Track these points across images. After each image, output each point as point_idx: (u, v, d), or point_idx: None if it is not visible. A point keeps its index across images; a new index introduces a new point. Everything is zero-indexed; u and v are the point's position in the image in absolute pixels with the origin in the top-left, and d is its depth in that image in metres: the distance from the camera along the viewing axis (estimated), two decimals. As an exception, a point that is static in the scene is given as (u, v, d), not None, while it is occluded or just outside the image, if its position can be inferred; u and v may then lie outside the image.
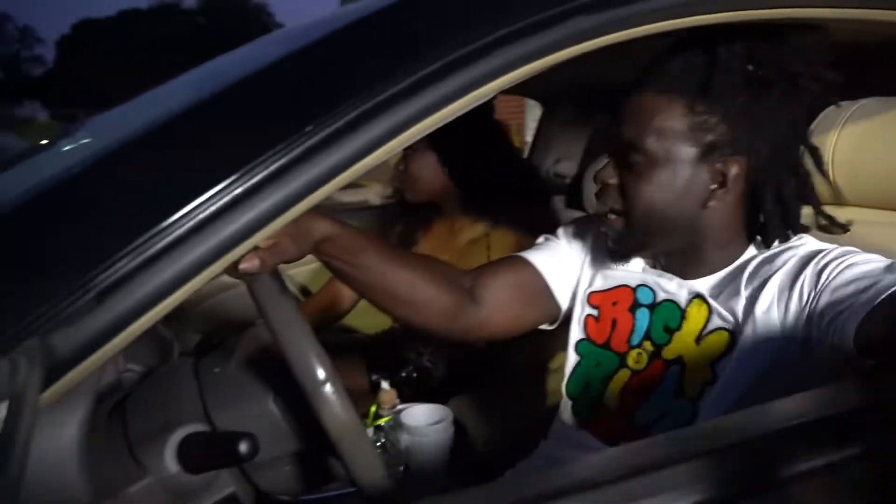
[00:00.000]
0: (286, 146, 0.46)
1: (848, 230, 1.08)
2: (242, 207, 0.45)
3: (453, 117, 0.55)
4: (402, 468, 1.30)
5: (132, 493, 0.69)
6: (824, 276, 0.77)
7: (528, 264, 0.98)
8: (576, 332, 0.98)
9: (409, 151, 1.55)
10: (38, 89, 50.79)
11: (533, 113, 6.98)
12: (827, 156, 1.13)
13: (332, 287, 1.72)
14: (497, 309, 0.94)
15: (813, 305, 0.76)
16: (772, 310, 0.80)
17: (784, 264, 0.82)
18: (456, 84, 0.51)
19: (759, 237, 0.90)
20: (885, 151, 1.05)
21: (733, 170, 0.83)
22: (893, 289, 0.68)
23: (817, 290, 0.77)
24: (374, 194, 1.88)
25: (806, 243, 0.87)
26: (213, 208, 0.44)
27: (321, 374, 0.66)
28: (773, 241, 0.88)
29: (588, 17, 0.56)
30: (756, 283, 0.83)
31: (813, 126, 1.18)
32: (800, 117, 0.88)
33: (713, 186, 0.84)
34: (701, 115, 0.82)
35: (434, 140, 1.55)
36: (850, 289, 0.73)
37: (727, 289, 0.86)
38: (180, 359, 0.98)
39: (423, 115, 0.51)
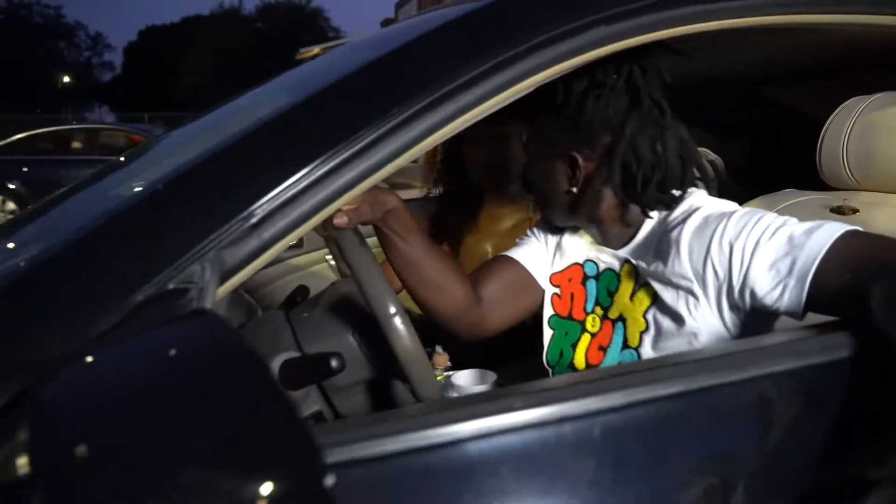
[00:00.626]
0: (376, 125, 0.63)
1: (856, 211, 1.21)
2: (346, 168, 0.62)
3: (499, 106, 0.71)
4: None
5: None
6: (736, 256, 0.85)
7: (513, 261, 1.12)
8: (547, 310, 1.12)
9: (462, 142, 1.67)
10: (106, 94, 53.06)
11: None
12: (841, 144, 1.26)
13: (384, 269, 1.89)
14: (493, 306, 1.08)
15: (734, 283, 0.86)
16: (682, 264, 0.90)
17: (684, 226, 0.92)
18: (504, 78, 0.68)
19: (647, 210, 1.00)
20: (892, 138, 1.16)
21: (581, 163, 0.97)
22: (823, 253, 0.79)
23: (736, 268, 0.85)
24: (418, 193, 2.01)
25: (699, 207, 0.94)
26: (325, 168, 0.61)
27: (393, 308, 0.83)
28: (654, 210, 0.98)
29: (607, 27, 0.72)
30: (665, 242, 0.94)
31: (831, 118, 1.30)
32: (621, 107, 0.95)
33: (569, 178, 0.99)
34: (540, 130, 1.01)
35: (485, 131, 1.70)
36: (774, 270, 0.82)
37: (647, 250, 0.98)
38: (270, 312, 1.17)
39: (479, 101, 0.67)
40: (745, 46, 1.30)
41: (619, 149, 0.94)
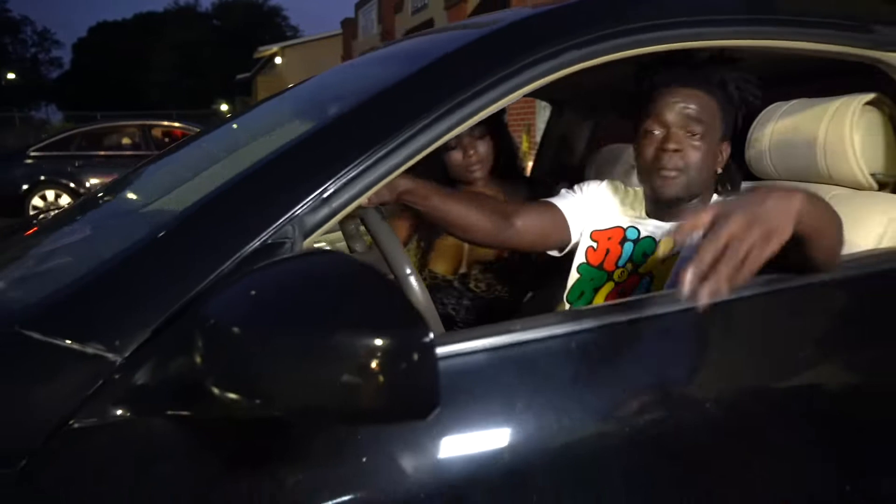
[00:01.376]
0: (409, 127, 0.84)
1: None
2: (386, 160, 0.83)
3: (503, 106, 0.94)
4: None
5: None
6: None
7: (552, 205, 1.39)
8: (579, 258, 1.38)
9: (476, 139, 1.84)
10: (53, 92, 51.59)
11: (543, 116, 7.37)
12: (765, 142, 1.52)
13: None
14: (523, 234, 1.33)
15: None
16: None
17: None
18: (500, 91, 0.90)
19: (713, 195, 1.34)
20: (803, 136, 1.42)
21: (726, 150, 1.31)
22: None
23: None
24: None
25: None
26: (372, 160, 0.83)
27: (408, 269, 1.05)
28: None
29: (579, 51, 0.95)
30: None
31: (756, 120, 1.57)
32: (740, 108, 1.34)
33: (720, 160, 1.30)
34: (723, 113, 1.29)
35: (492, 131, 1.90)
36: None
37: None
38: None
39: (481, 109, 0.89)
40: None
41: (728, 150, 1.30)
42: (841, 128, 1.37)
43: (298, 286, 0.59)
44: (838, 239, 0.96)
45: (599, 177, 2.27)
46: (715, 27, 1.14)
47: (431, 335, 0.54)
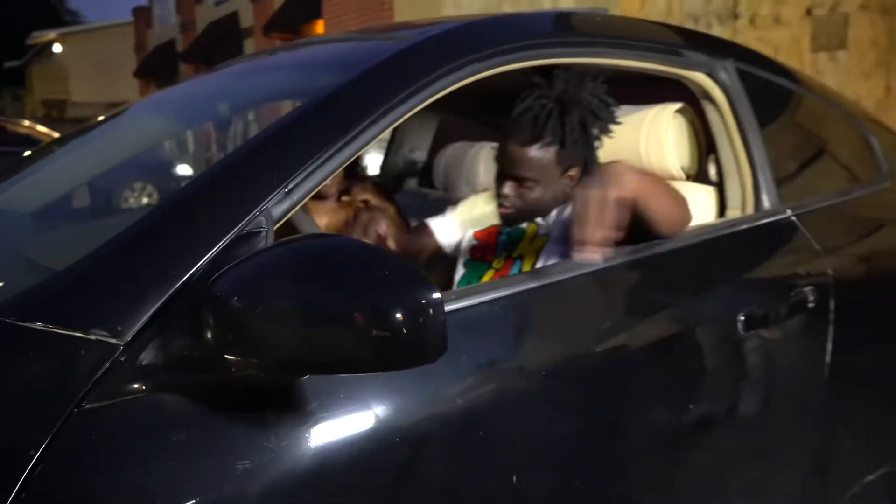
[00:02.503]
0: (356, 127, 0.96)
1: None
2: (335, 157, 0.95)
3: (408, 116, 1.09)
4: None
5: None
6: None
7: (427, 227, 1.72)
8: (464, 255, 1.63)
9: None
10: None
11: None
12: (641, 143, 1.81)
13: None
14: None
15: None
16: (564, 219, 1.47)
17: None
18: (418, 100, 1.05)
19: None
20: (627, 137, 1.74)
21: (575, 174, 1.51)
22: None
23: None
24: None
25: None
26: (328, 153, 0.94)
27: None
28: None
29: (479, 65, 1.13)
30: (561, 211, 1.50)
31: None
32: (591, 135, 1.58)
33: (569, 186, 1.50)
34: (560, 155, 1.47)
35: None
36: None
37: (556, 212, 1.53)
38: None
39: (403, 115, 1.04)
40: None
41: (591, 159, 1.53)
42: (658, 130, 1.69)
43: (322, 261, 0.70)
44: (677, 211, 1.24)
45: (447, 174, 2.51)
46: (570, 48, 1.38)
47: (438, 293, 0.68)
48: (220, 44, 16.59)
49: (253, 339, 0.67)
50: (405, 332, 0.65)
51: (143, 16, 22.84)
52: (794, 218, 1.50)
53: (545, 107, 1.45)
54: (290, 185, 0.89)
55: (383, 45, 1.13)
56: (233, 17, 17.16)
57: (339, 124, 0.96)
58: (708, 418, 1.26)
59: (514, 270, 1.51)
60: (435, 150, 2.71)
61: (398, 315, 0.65)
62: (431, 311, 0.66)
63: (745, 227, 1.40)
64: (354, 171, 2.21)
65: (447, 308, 0.95)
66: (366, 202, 2.08)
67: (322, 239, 0.76)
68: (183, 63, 19.13)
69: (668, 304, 1.22)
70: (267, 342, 0.67)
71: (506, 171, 1.51)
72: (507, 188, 1.50)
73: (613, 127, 1.75)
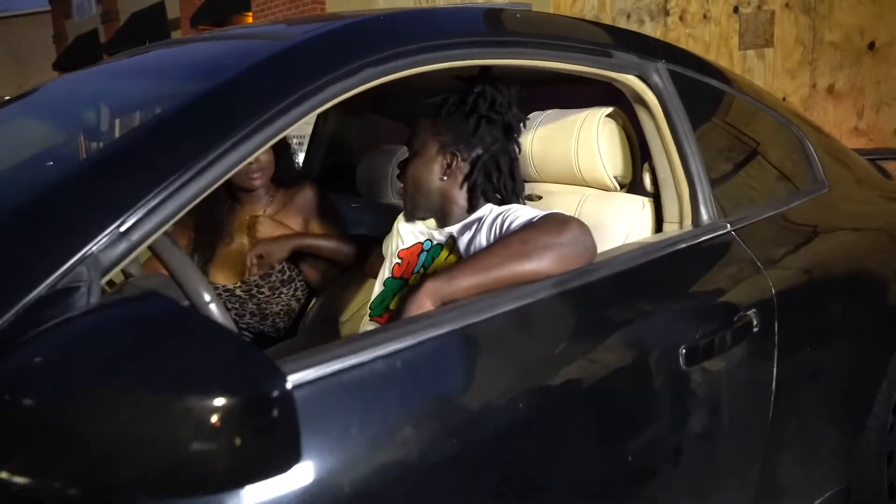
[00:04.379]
0: (218, 146, 0.78)
1: (541, 198, 1.63)
2: (193, 183, 0.76)
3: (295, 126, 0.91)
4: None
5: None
6: (506, 223, 1.29)
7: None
8: (384, 274, 1.53)
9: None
10: None
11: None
12: (527, 148, 1.67)
13: (150, 267, 1.92)
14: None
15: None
16: (481, 236, 1.34)
17: (492, 218, 1.36)
18: (306, 108, 0.87)
19: (482, 202, 1.44)
20: (559, 144, 1.60)
21: (456, 163, 1.43)
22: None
23: (501, 229, 1.29)
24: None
25: (511, 207, 1.38)
26: (179, 182, 0.75)
27: (207, 296, 0.97)
28: (487, 203, 1.44)
29: (375, 69, 0.96)
30: (481, 226, 1.36)
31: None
32: (498, 135, 1.47)
33: (443, 171, 1.43)
34: (439, 131, 1.42)
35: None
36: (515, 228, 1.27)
37: (467, 229, 1.40)
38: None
39: (289, 124, 0.86)
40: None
41: (484, 159, 1.42)
42: (589, 137, 1.56)
43: (123, 338, 0.52)
44: (543, 263, 1.09)
45: (372, 177, 2.33)
46: (487, 48, 1.22)
47: (290, 383, 0.51)
48: (144, 35, 15.85)
49: (49, 456, 0.48)
50: (239, 442, 0.47)
51: (61, 5, 21.64)
52: (733, 233, 1.39)
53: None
54: (127, 223, 0.70)
55: (261, 45, 0.94)
56: (158, 8, 16.41)
57: (194, 145, 0.77)
58: (647, 461, 1.13)
59: None
60: (357, 153, 2.53)
61: (227, 420, 0.47)
62: (277, 411, 0.49)
63: (682, 245, 1.28)
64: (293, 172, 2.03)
65: (333, 367, 0.79)
66: (254, 221, 1.90)
67: (133, 305, 0.58)
68: (106, 55, 18.21)
69: (600, 339, 1.08)
70: (64, 461, 0.48)
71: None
72: (399, 164, 1.50)
73: (542, 132, 1.61)
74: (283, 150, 1.96)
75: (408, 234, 1.55)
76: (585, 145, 1.56)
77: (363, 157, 2.35)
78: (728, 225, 1.39)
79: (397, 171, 1.51)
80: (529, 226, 1.17)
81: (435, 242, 1.47)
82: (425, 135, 1.45)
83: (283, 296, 1.96)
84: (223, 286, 1.92)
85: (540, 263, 1.06)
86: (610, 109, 1.58)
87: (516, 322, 0.98)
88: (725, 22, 5.83)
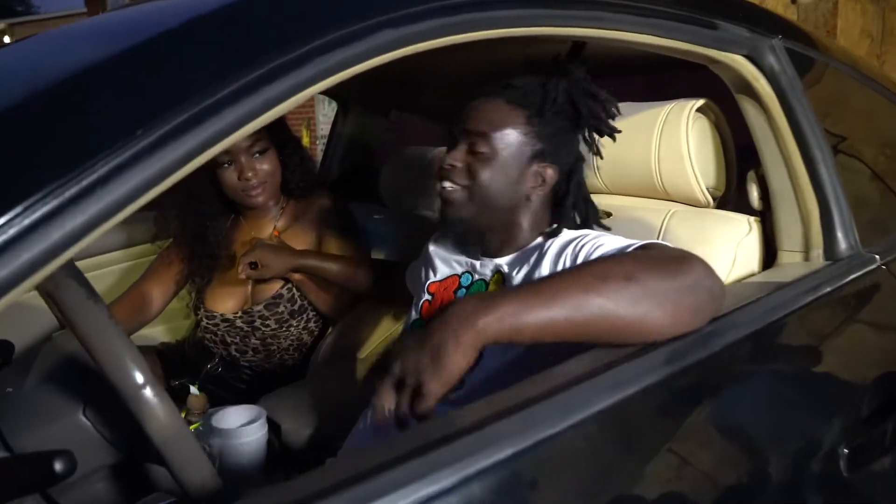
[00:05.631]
0: (116, 151, 0.45)
1: (610, 215, 1.28)
2: (72, 210, 0.43)
3: (273, 118, 0.58)
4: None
5: None
6: (582, 254, 0.95)
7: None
8: (413, 315, 1.19)
9: (254, 157, 1.50)
10: None
11: (322, 107, 6.94)
12: (592, 154, 1.32)
13: (139, 291, 1.61)
14: None
15: None
16: (543, 272, 1.00)
17: (559, 247, 1.02)
18: (280, 88, 0.54)
19: (552, 226, 1.10)
20: (635, 146, 1.24)
21: (549, 175, 1.07)
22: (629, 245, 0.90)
23: (575, 262, 0.95)
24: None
25: (587, 233, 1.04)
26: (39, 213, 0.42)
27: (139, 377, 0.64)
28: (568, 228, 1.09)
29: (394, 31, 0.61)
30: (540, 259, 1.02)
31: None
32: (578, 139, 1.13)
33: (535, 184, 1.07)
34: (534, 129, 1.05)
35: (276, 141, 1.54)
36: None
37: (522, 263, 1.05)
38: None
39: (251, 117, 0.52)
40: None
41: (577, 173, 1.10)
42: (675, 136, 1.20)
43: None
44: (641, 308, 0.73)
45: (398, 183, 1.99)
46: (556, 9, 0.88)
47: None
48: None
49: None
50: None
51: (95, 5, 21.86)
52: (884, 267, 1.01)
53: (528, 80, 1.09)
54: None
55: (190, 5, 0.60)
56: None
57: (72, 149, 0.44)
58: None
59: None
60: (381, 156, 2.19)
61: None
62: None
63: (826, 289, 0.91)
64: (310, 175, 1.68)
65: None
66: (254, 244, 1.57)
67: None
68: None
69: (727, 440, 0.72)
70: None
71: (457, 132, 1.08)
72: (453, 155, 1.06)
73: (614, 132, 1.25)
74: (291, 154, 1.61)
75: (441, 262, 1.21)
76: (670, 147, 1.21)
77: (388, 160, 2.01)
78: (877, 257, 1.01)
79: (446, 169, 1.06)
80: (630, 257, 0.82)
81: (476, 277, 1.12)
82: (512, 133, 1.05)
83: (292, 328, 1.62)
84: (221, 315, 1.59)
85: (651, 312, 0.72)
86: (700, 102, 1.22)
87: (607, 424, 0.63)
88: (782, 12, 5.40)
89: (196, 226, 1.59)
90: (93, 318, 0.63)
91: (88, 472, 0.77)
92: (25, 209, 0.41)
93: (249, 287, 1.59)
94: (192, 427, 1.25)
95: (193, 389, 1.29)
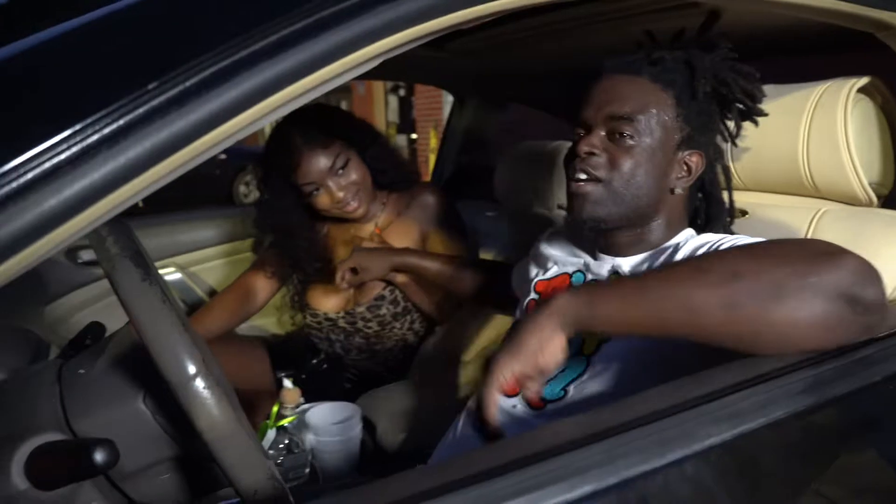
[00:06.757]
0: (126, 104, 0.39)
1: (746, 213, 1.11)
2: (75, 170, 0.38)
3: (325, 87, 0.50)
4: (307, 470, 1.23)
5: (-26, 517, 0.60)
6: None
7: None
8: (518, 315, 1.11)
9: (337, 174, 1.45)
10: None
11: (449, 109, 6.97)
12: (727, 146, 1.15)
13: (245, 283, 1.63)
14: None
15: None
16: None
17: (693, 250, 0.90)
18: (326, 45, 0.46)
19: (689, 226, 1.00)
20: (778, 134, 1.07)
21: (696, 163, 0.95)
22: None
23: None
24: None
25: (723, 237, 0.90)
26: (45, 166, 0.38)
27: (191, 368, 0.59)
28: (715, 228, 0.99)
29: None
30: (666, 259, 0.91)
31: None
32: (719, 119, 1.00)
33: (681, 175, 0.95)
34: (683, 111, 0.93)
35: (354, 146, 1.49)
36: None
37: (649, 264, 0.93)
38: (47, 361, 0.88)
39: (291, 78, 0.45)
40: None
41: (720, 164, 0.99)
42: (830, 122, 1.01)
43: None
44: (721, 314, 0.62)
45: (514, 178, 1.89)
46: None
47: None
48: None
49: None
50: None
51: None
52: None
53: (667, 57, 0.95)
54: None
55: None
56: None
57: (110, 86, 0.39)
58: None
59: (573, 348, 0.90)
60: (500, 148, 2.10)
61: None
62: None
63: None
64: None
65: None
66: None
67: None
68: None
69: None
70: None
71: (591, 116, 0.94)
72: (590, 141, 0.92)
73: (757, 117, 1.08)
74: (375, 152, 1.54)
75: (552, 260, 1.10)
76: (822, 135, 1.02)
77: (502, 156, 1.92)
78: None
79: (582, 157, 0.93)
80: (753, 250, 0.71)
81: (590, 277, 1.01)
82: (660, 115, 0.92)
83: (395, 330, 1.57)
84: (324, 314, 1.58)
85: (756, 316, 0.60)
86: (864, 80, 1.03)
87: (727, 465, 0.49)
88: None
89: (293, 241, 1.57)
90: (146, 300, 0.59)
91: (152, 462, 0.74)
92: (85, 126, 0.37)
93: (352, 287, 1.56)
94: (285, 420, 1.22)
95: (287, 383, 1.27)
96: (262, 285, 1.63)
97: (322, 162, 1.42)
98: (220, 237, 1.91)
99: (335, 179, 1.45)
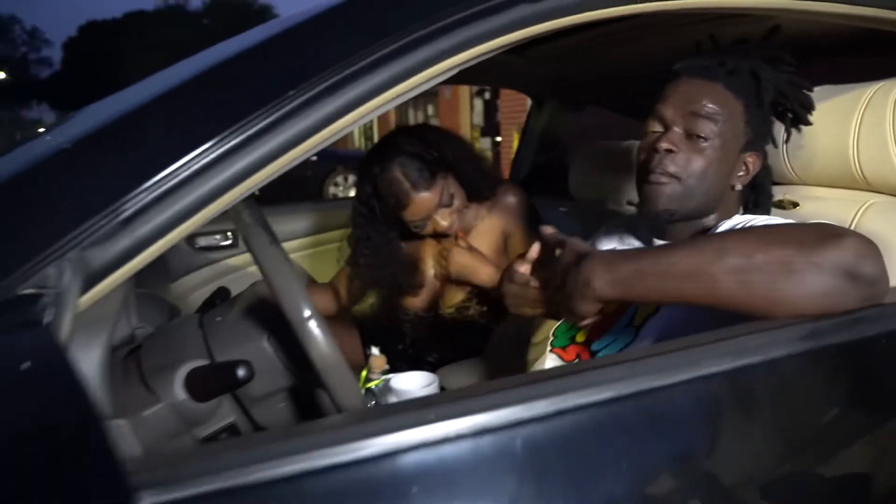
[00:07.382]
0: (270, 109, 0.56)
1: (797, 205, 1.19)
2: (235, 156, 0.55)
3: (416, 91, 0.65)
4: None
5: (146, 416, 0.80)
6: None
7: None
8: None
9: (440, 205, 1.55)
10: (45, 91, 51.20)
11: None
12: (781, 140, 1.24)
13: (333, 285, 1.81)
14: None
15: None
16: None
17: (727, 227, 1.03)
18: (417, 58, 0.61)
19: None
20: (830, 131, 1.14)
21: (753, 163, 1.08)
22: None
23: None
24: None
25: (759, 219, 1.02)
26: (211, 157, 0.54)
27: (307, 311, 0.76)
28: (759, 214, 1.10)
29: (532, 5, 0.66)
30: None
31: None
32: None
33: (741, 173, 1.07)
34: (750, 116, 1.06)
35: (448, 166, 1.57)
36: None
37: None
38: (187, 315, 1.09)
39: (390, 84, 0.61)
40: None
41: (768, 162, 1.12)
42: (879, 119, 1.08)
43: None
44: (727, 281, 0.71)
45: (585, 178, 2.00)
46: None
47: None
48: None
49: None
50: None
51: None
52: None
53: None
54: (130, 208, 0.50)
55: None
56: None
57: (237, 106, 0.55)
58: None
59: (623, 320, 1.04)
60: (574, 148, 2.22)
61: None
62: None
63: None
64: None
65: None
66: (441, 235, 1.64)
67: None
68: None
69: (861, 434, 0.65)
70: None
71: (669, 114, 1.04)
72: (670, 138, 1.02)
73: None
74: (465, 164, 1.62)
75: (612, 243, 1.21)
76: (872, 131, 1.09)
77: (577, 154, 2.03)
78: None
79: (661, 153, 1.01)
80: (759, 231, 0.79)
81: None
82: (734, 119, 1.03)
83: (480, 324, 1.73)
84: (414, 313, 1.73)
85: (759, 284, 0.70)
86: (916, 81, 1.09)
87: (728, 392, 0.61)
88: None
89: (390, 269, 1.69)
90: (273, 260, 0.77)
91: (270, 391, 0.92)
92: (199, 153, 0.54)
93: (439, 288, 1.70)
94: (372, 384, 1.39)
95: (374, 350, 1.43)
96: (345, 290, 1.78)
97: (431, 201, 1.53)
98: (310, 229, 2.13)
99: (441, 212, 1.55)
